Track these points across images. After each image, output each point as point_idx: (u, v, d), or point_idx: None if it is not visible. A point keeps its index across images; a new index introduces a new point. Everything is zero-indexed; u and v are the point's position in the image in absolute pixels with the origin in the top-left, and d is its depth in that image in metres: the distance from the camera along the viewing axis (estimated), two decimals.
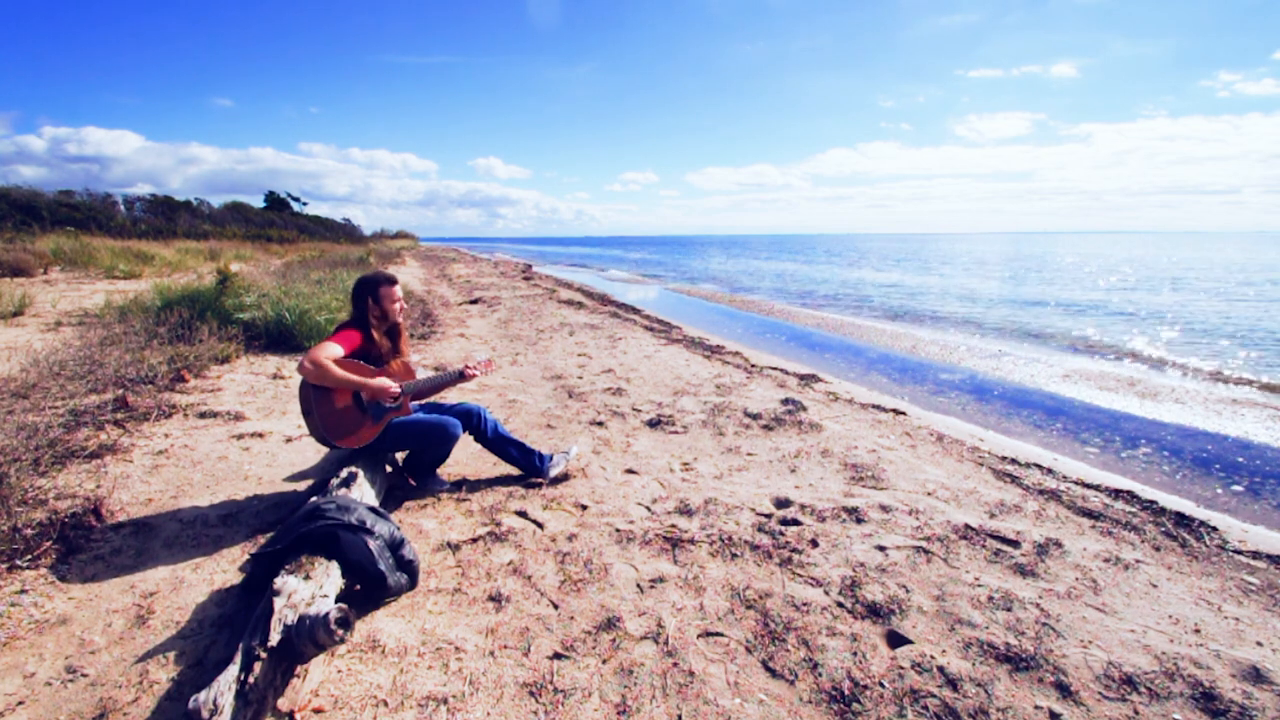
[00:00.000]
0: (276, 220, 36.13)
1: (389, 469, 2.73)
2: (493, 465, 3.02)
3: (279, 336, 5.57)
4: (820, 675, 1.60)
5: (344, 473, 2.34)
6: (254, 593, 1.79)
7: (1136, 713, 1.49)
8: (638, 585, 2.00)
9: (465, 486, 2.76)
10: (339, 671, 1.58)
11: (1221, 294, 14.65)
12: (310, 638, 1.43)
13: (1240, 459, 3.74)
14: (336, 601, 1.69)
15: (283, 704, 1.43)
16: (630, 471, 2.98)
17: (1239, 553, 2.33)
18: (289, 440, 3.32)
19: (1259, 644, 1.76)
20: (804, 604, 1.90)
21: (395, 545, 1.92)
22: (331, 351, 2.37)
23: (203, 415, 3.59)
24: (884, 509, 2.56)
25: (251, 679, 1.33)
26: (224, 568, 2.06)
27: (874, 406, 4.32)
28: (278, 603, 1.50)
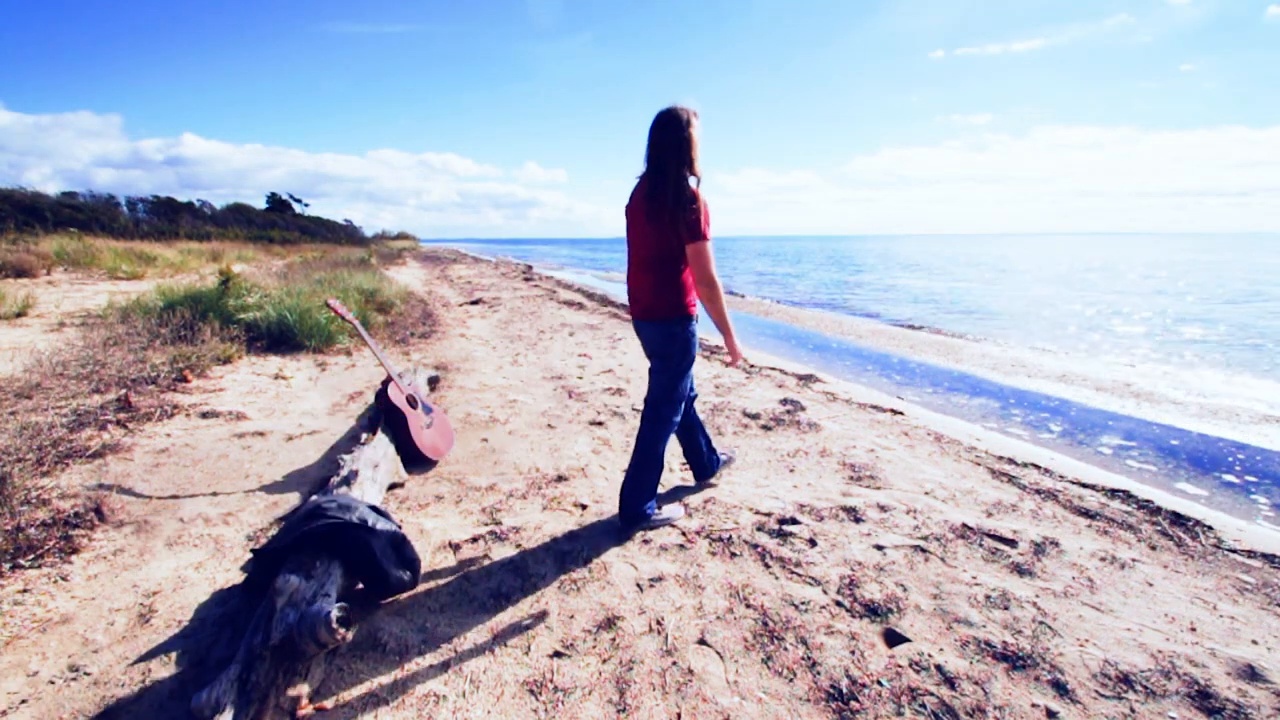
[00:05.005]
0: (278, 221, 36.21)
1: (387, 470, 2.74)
2: (493, 465, 3.03)
3: (280, 337, 5.59)
4: (819, 673, 1.61)
5: (344, 471, 2.36)
6: (256, 592, 1.80)
7: (1133, 711, 1.50)
8: (637, 584, 2.01)
9: (465, 487, 2.77)
10: (340, 670, 1.59)
11: None
12: (312, 636, 1.44)
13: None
14: (338, 600, 1.70)
15: (284, 702, 1.44)
16: None
17: (1234, 551, 2.33)
18: (290, 439, 3.33)
19: (1254, 642, 1.77)
20: (802, 603, 1.91)
21: (396, 544, 1.93)
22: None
23: (205, 415, 3.61)
24: (882, 508, 2.57)
25: (253, 678, 1.35)
26: (226, 567, 2.07)
27: (872, 406, 4.33)
28: (279, 602, 1.51)
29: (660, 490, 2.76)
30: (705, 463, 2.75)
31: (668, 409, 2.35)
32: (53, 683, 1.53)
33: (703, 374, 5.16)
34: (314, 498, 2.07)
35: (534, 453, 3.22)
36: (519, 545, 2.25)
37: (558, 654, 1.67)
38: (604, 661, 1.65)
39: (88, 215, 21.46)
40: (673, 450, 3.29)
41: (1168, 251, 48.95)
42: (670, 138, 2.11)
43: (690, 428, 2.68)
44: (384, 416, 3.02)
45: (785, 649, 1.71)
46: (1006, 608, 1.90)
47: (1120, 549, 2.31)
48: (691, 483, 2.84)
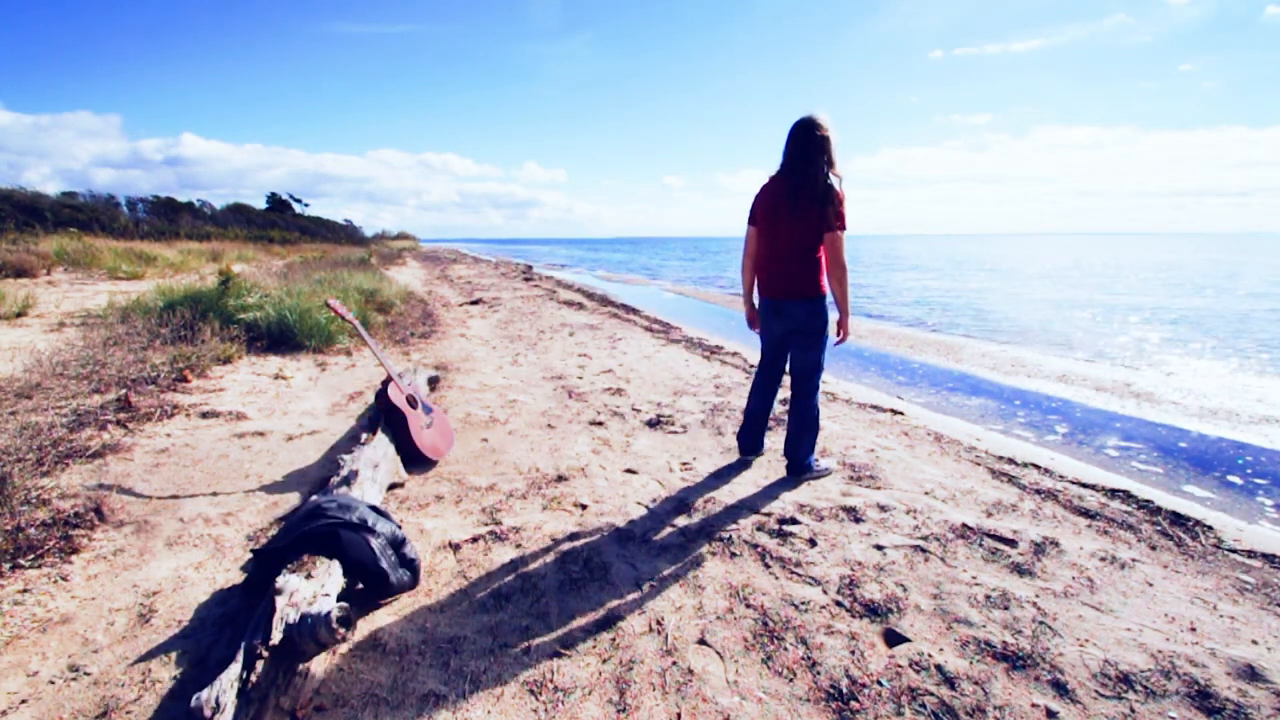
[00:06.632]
0: (278, 221, 36.20)
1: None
2: (493, 465, 3.03)
3: (280, 337, 5.59)
4: (819, 673, 1.61)
5: (344, 471, 2.36)
6: (256, 592, 1.80)
7: (1133, 711, 1.50)
8: (637, 584, 2.01)
9: (465, 487, 2.77)
10: (340, 670, 1.59)
11: None
12: (312, 636, 1.44)
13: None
14: (338, 600, 1.70)
15: (284, 702, 1.44)
16: (630, 471, 2.99)
17: (1234, 551, 2.33)
18: (290, 439, 3.34)
19: (1254, 642, 1.77)
20: (802, 603, 1.92)
21: (397, 544, 1.94)
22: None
23: (204, 415, 3.60)
24: (882, 508, 2.57)
25: (253, 678, 1.35)
26: (226, 566, 2.07)
27: (872, 406, 4.33)
28: (279, 602, 1.51)
29: (663, 493, 2.76)
30: (762, 443, 3.11)
31: (818, 377, 2.77)
32: (53, 683, 1.53)
33: (702, 373, 5.16)
34: (314, 498, 2.07)
35: (534, 453, 3.22)
36: (519, 545, 2.25)
37: (558, 654, 1.67)
38: (604, 661, 1.65)
39: (88, 215, 21.44)
40: (672, 452, 3.29)
41: (1169, 252, 49.10)
42: (815, 142, 2.44)
43: (769, 408, 3.01)
44: (384, 416, 3.03)
45: (785, 649, 1.71)
46: (1006, 608, 1.90)
47: (1120, 549, 2.31)
48: (693, 482, 2.85)
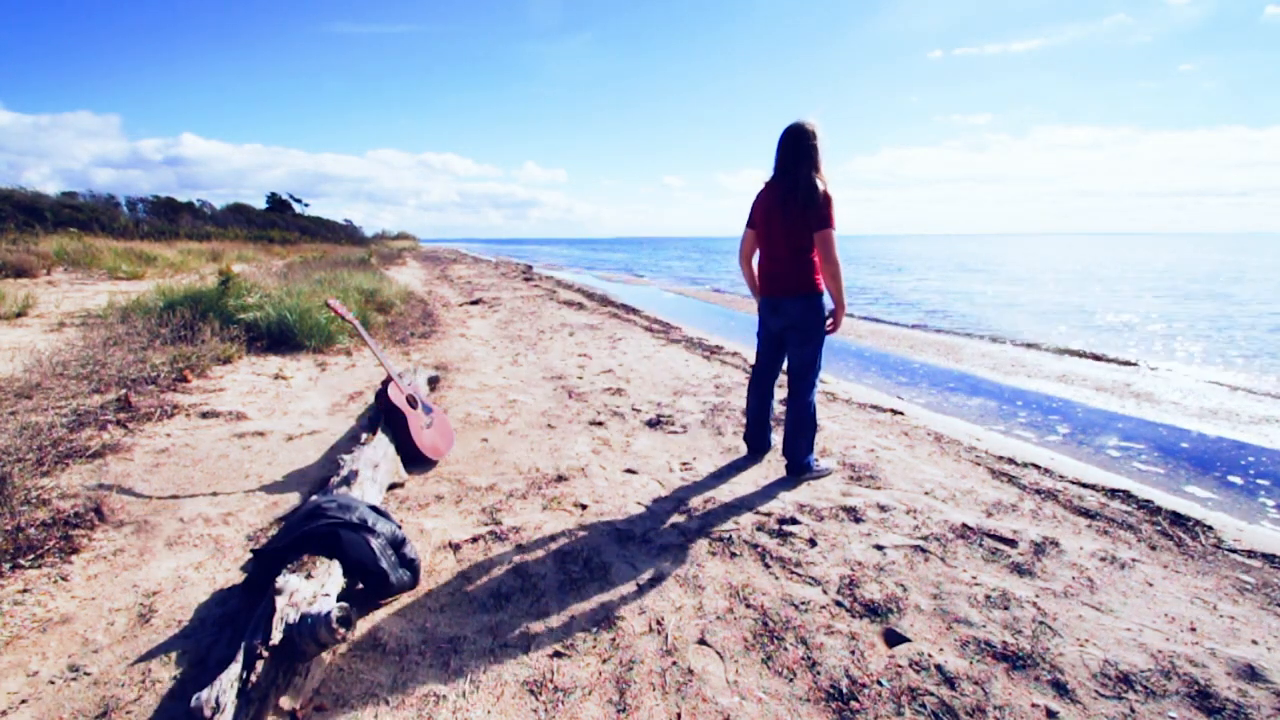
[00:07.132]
0: (278, 221, 36.21)
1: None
2: (493, 465, 3.03)
3: (280, 337, 5.59)
4: (819, 673, 1.61)
5: (344, 471, 2.36)
6: (256, 592, 1.80)
7: (1133, 711, 1.50)
8: (637, 584, 2.01)
9: (465, 487, 2.77)
10: (340, 670, 1.59)
11: None
12: (312, 636, 1.44)
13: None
14: (338, 600, 1.70)
15: (284, 702, 1.44)
16: (630, 471, 2.99)
17: (1234, 551, 2.33)
18: (290, 439, 3.34)
19: (1254, 642, 1.77)
20: (802, 603, 1.92)
21: (397, 544, 1.94)
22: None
23: (204, 415, 3.61)
24: (882, 508, 2.57)
25: (254, 678, 1.35)
26: (226, 566, 2.07)
27: (872, 406, 4.33)
28: (279, 601, 1.51)
29: (662, 493, 2.76)
30: (769, 439, 3.16)
31: (814, 374, 2.83)
32: (53, 683, 1.53)
33: (703, 374, 5.16)
34: (314, 498, 2.07)
35: (534, 453, 3.22)
36: (519, 545, 2.25)
37: (558, 654, 1.68)
38: (604, 661, 1.65)
39: (88, 215, 21.42)
40: (672, 452, 3.29)
41: (1169, 252, 49.15)
42: (802, 147, 2.59)
43: (768, 406, 3.11)
44: (384, 416, 3.03)
45: (785, 649, 1.71)
46: (1006, 608, 1.90)
47: (1120, 549, 2.31)
48: (693, 482, 2.85)
